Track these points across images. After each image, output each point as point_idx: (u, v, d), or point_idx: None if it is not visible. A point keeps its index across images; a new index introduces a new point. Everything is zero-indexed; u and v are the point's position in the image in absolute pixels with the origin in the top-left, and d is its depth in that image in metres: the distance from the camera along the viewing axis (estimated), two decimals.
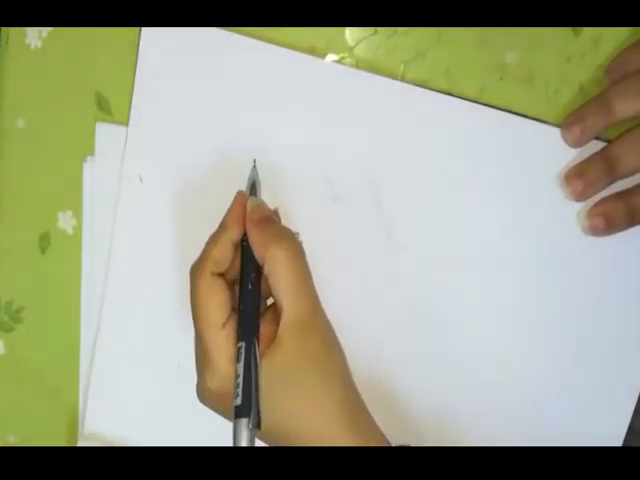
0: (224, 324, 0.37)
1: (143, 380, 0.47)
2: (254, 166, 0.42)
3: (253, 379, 0.35)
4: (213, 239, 0.39)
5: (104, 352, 0.47)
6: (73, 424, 0.49)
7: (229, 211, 0.39)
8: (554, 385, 0.46)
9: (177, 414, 0.47)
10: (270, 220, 0.39)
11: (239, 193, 0.40)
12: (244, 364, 0.35)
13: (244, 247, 0.38)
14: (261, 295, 0.38)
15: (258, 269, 0.38)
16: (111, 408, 0.48)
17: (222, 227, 0.39)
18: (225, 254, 0.38)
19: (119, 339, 0.47)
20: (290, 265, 0.37)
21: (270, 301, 0.39)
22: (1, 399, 0.50)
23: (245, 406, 0.34)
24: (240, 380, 0.35)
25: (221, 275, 0.38)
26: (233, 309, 0.38)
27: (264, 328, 0.37)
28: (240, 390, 0.35)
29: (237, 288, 0.39)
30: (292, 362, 0.36)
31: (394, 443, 0.38)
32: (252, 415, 0.34)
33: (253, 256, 0.38)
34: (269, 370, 0.36)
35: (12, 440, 0.50)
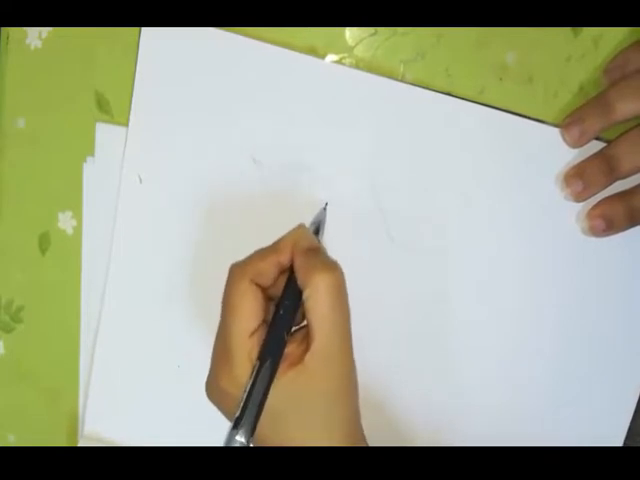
0: (252, 333, 0.37)
1: (143, 380, 0.47)
2: (324, 208, 0.43)
3: (253, 398, 0.35)
4: (262, 254, 0.38)
5: (104, 352, 0.47)
6: (73, 424, 0.49)
7: (285, 236, 0.39)
8: (554, 386, 0.46)
9: (177, 414, 0.47)
10: (317, 250, 0.38)
11: (300, 225, 0.39)
12: (253, 383, 0.36)
13: (290, 273, 0.38)
14: (294, 321, 0.38)
15: (297, 297, 0.37)
16: (111, 408, 0.48)
17: (273, 247, 0.38)
18: (269, 271, 0.38)
19: (119, 339, 0.47)
20: (331, 296, 0.36)
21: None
22: (1, 399, 0.50)
23: (239, 421, 0.35)
24: (245, 395, 0.36)
25: (261, 288, 0.38)
26: (264, 321, 0.38)
27: (291, 348, 0.37)
28: (242, 404, 0.35)
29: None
30: (313, 389, 0.36)
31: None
32: (243, 430, 0.35)
33: (295, 283, 0.37)
34: (287, 391, 0.36)
35: (12, 440, 0.50)
